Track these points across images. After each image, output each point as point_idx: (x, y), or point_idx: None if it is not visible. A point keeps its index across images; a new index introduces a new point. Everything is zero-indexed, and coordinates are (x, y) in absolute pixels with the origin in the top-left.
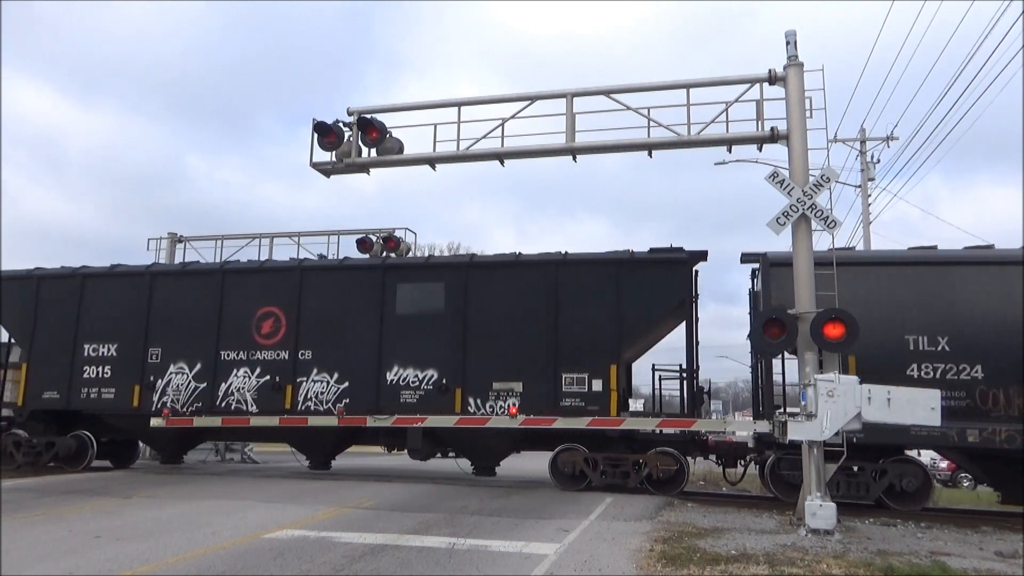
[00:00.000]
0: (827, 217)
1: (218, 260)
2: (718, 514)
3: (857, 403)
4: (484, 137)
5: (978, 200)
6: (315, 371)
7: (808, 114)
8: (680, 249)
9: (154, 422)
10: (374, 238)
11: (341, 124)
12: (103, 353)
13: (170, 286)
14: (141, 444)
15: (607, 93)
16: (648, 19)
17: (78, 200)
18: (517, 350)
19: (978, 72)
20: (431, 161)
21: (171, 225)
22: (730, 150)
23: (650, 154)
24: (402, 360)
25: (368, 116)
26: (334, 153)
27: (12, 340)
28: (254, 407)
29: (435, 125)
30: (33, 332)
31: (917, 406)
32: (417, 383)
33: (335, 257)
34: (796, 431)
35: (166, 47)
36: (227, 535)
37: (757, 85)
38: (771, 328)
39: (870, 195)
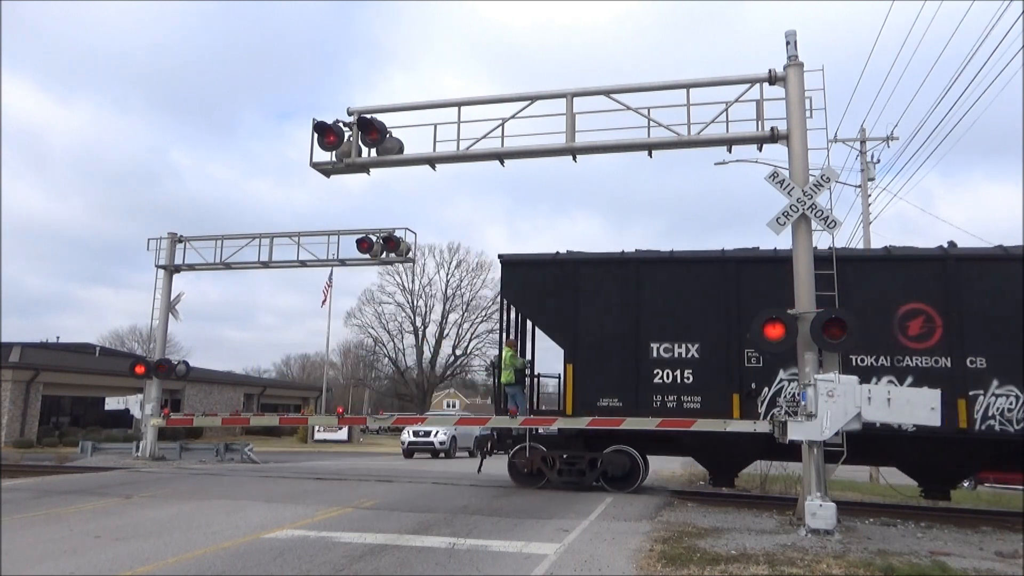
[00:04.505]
0: (827, 217)
1: (219, 260)
2: (718, 514)
3: (857, 403)
4: (484, 137)
5: (974, 197)
6: (995, 383)
7: (808, 114)
8: None
9: (154, 421)
10: (374, 238)
11: (341, 124)
12: (679, 354)
13: (761, 275)
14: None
15: (607, 93)
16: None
17: (65, 198)
18: None
19: (978, 72)
20: (431, 161)
21: (161, 222)
22: (730, 150)
23: (650, 154)
24: None
25: (368, 116)
26: (334, 153)
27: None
28: None
29: (435, 125)
30: (575, 327)
31: (916, 406)
32: None
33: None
34: (796, 431)
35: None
36: (227, 535)
37: (757, 85)
38: (771, 328)
39: (870, 195)
